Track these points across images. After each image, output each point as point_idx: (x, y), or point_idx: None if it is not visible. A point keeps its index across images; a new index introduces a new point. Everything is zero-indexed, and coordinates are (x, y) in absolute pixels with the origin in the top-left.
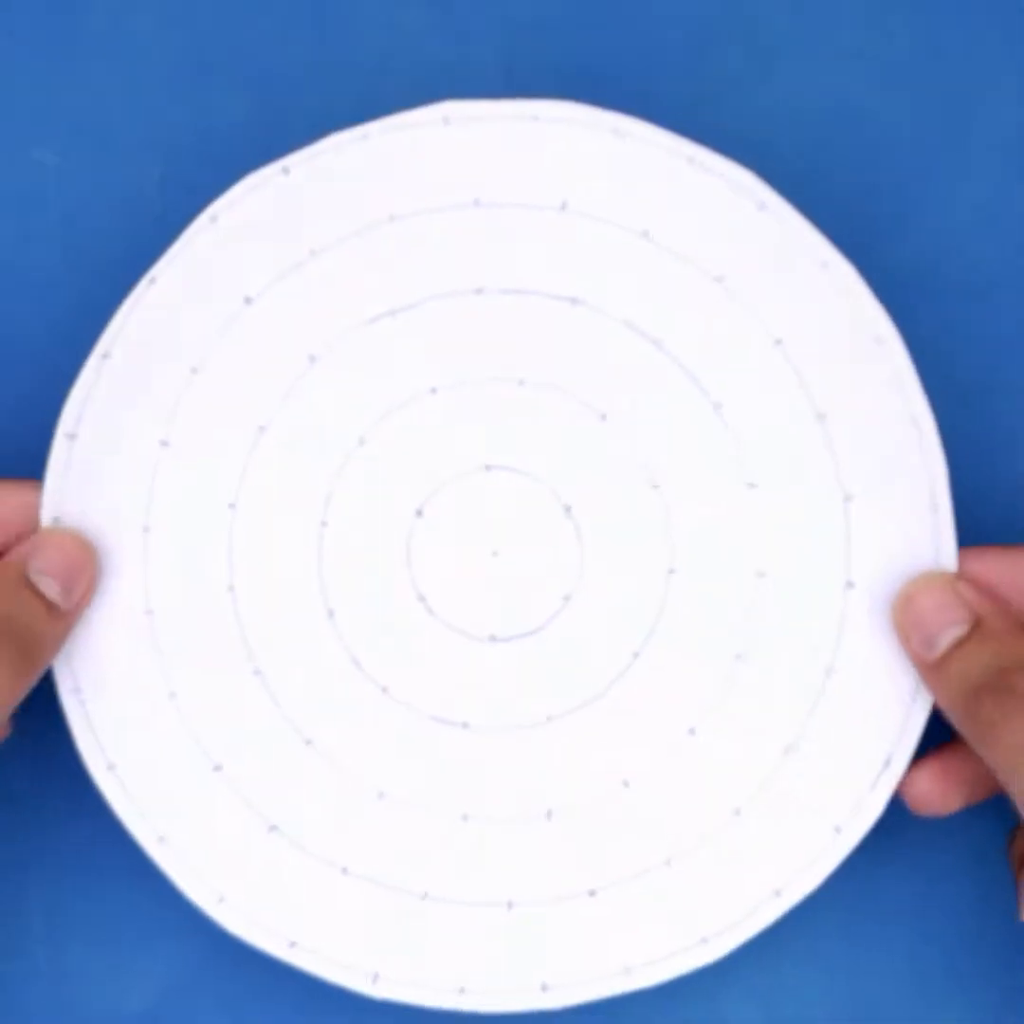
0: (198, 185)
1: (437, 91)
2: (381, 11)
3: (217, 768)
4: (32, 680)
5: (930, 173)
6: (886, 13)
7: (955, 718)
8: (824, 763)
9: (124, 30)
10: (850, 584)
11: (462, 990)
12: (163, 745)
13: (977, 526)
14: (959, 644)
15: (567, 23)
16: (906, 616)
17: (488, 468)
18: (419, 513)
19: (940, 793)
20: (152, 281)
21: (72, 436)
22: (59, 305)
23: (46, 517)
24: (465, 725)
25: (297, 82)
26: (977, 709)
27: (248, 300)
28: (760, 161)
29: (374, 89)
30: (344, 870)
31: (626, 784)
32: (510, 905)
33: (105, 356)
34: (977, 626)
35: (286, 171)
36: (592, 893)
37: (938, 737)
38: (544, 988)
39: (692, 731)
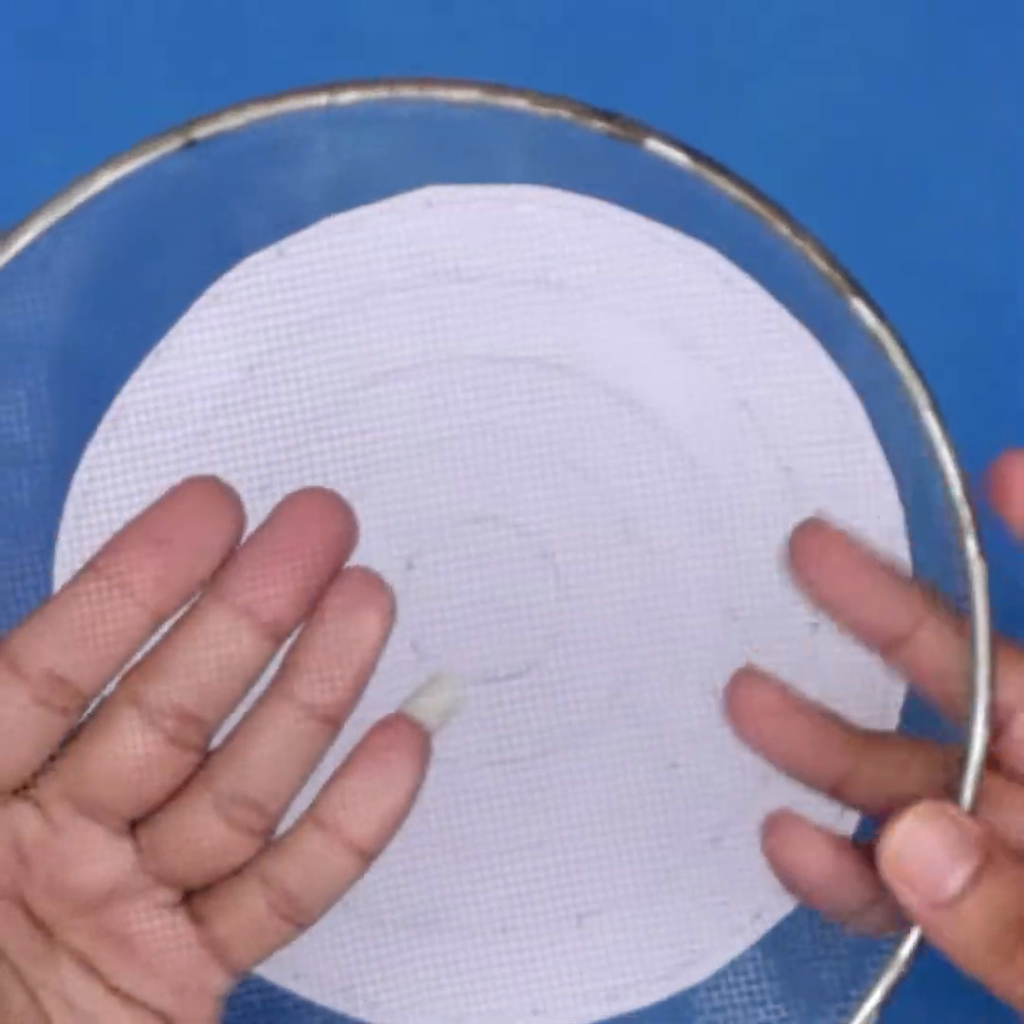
0: None
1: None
2: (385, 15)
3: None
4: None
5: (930, 173)
6: (886, 13)
7: (980, 955)
8: (795, 792)
9: (124, 30)
10: (816, 625)
11: (458, 1017)
12: None
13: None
14: (972, 880)
15: (567, 23)
16: (905, 861)
17: (474, 520)
18: (410, 566)
19: None
20: (158, 355)
21: (84, 496)
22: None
23: (59, 572)
24: (456, 761)
25: (297, 83)
26: (1009, 945)
27: (250, 370)
28: (760, 161)
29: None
30: (342, 902)
31: (611, 814)
32: (502, 932)
33: (115, 423)
34: (988, 856)
35: (281, 254)
36: (580, 919)
37: None
38: (535, 1013)
39: (674, 765)
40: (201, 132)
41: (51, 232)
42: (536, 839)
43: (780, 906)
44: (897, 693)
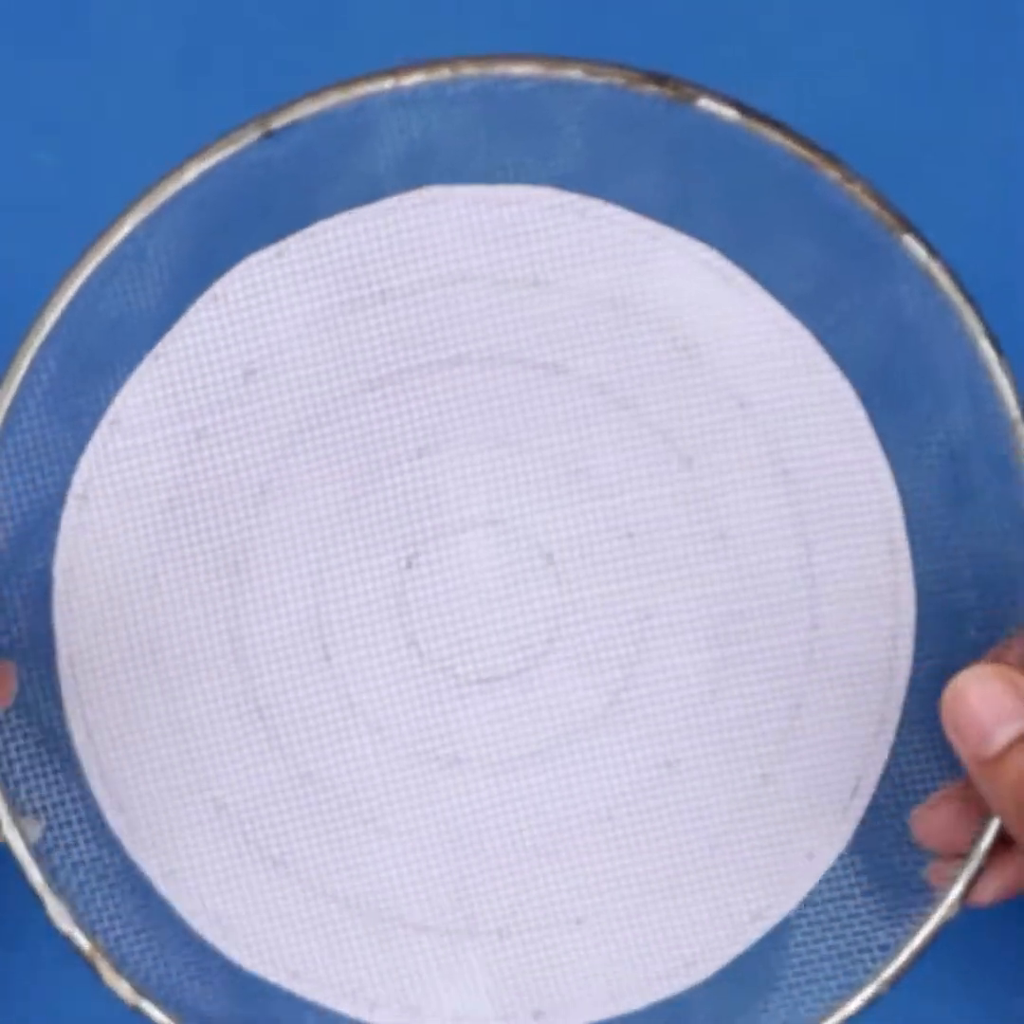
0: None
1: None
2: (383, 13)
3: (219, 804)
4: None
5: (930, 173)
6: (886, 13)
7: (1011, 816)
8: (796, 792)
9: (124, 30)
10: (815, 626)
11: (458, 1018)
12: (169, 782)
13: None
14: (1019, 739)
15: (567, 23)
16: (959, 711)
17: (473, 522)
18: (409, 565)
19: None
20: (156, 357)
21: (82, 497)
22: None
23: (60, 569)
24: (455, 761)
25: (297, 83)
26: None
27: (249, 373)
28: (760, 161)
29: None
30: (343, 903)
31: (609, 816)
32: (501, 934)
33: (114, 423)
34: None
35: (281, 255)
36: (579, 922)
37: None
38: (536, 1015)
39: (671, 765)
40: (278, 122)
41: (145, 224)
42: (535, 840)
43: (780, 906)
44: (899, 690)
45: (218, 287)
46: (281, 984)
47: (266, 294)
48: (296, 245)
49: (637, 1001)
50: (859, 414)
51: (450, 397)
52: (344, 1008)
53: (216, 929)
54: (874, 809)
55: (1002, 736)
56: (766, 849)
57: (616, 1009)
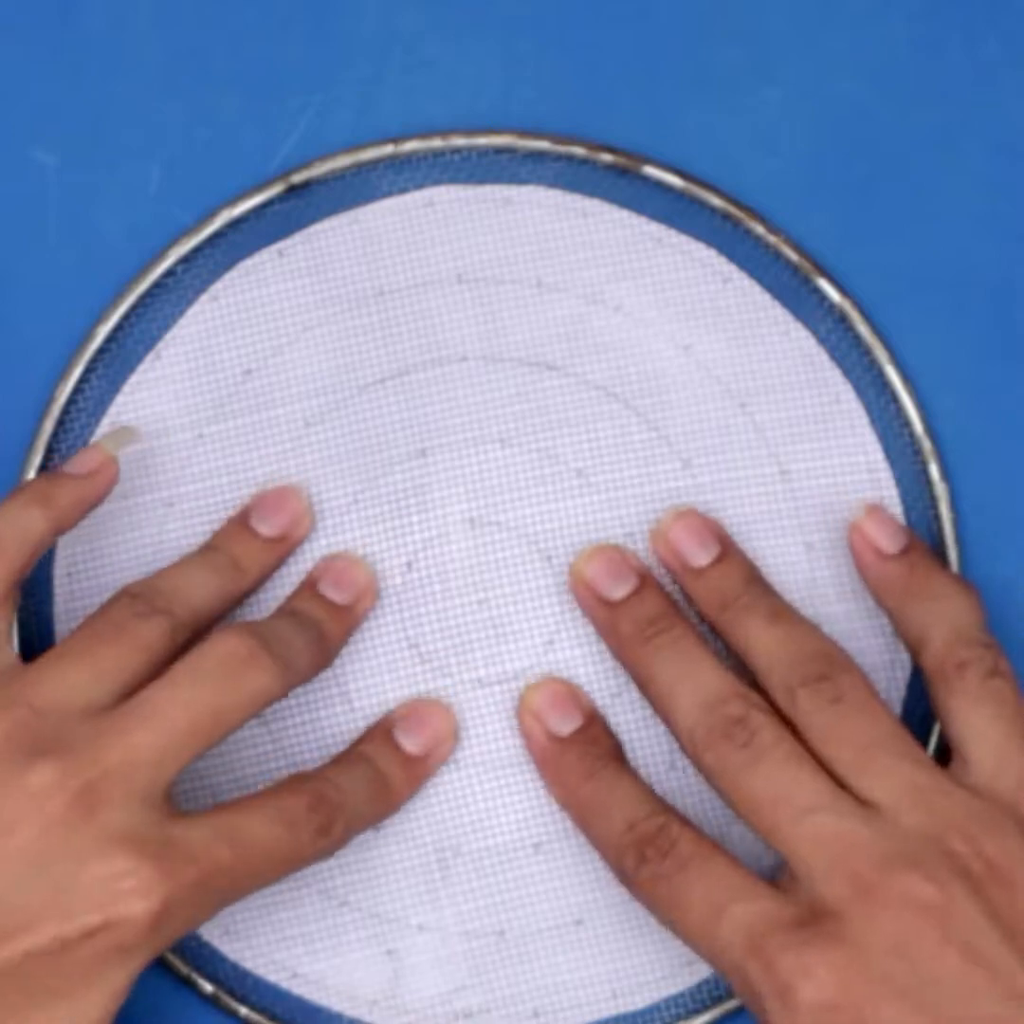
0: (198, 185)
1: (437, 82)
2: (380, 12)
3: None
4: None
5: (930, 173)
6: (886, 13)
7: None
8: None
9: (124, 30)
10: (815, 625)
11: (457, 1017)
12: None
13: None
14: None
15: (567, 23)
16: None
17: (473, 523)
18: (409, 566)
19: None
20: (157, 356)
21: None
22: (58, 305)
23: (60, 570)
24: (455, 762)
25: (296, 82)
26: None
27: (248, 372)
28: (760, 161)
29: (373, 88)
30: (342, 903)
31: None
32: (501, 935)
33: (114, 424)
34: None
35: (281, 254)
36: (579, 922)
37: None
38: (535, 1014)
39: (672, 765)
40: (297, 178)
41: (183, 260)
42: (536, 840)
43: None
44: (899, 689)
45: (218, 287)
46: (281, 984)
47: (266, 294)
48: (296, 245)
49: (637, 1001)
50: (859, 414)
51: (450, 397)
52: (343, 1009)
53: (216, 928)
54: None
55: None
56: (767, 849)
57: (616, 1008)
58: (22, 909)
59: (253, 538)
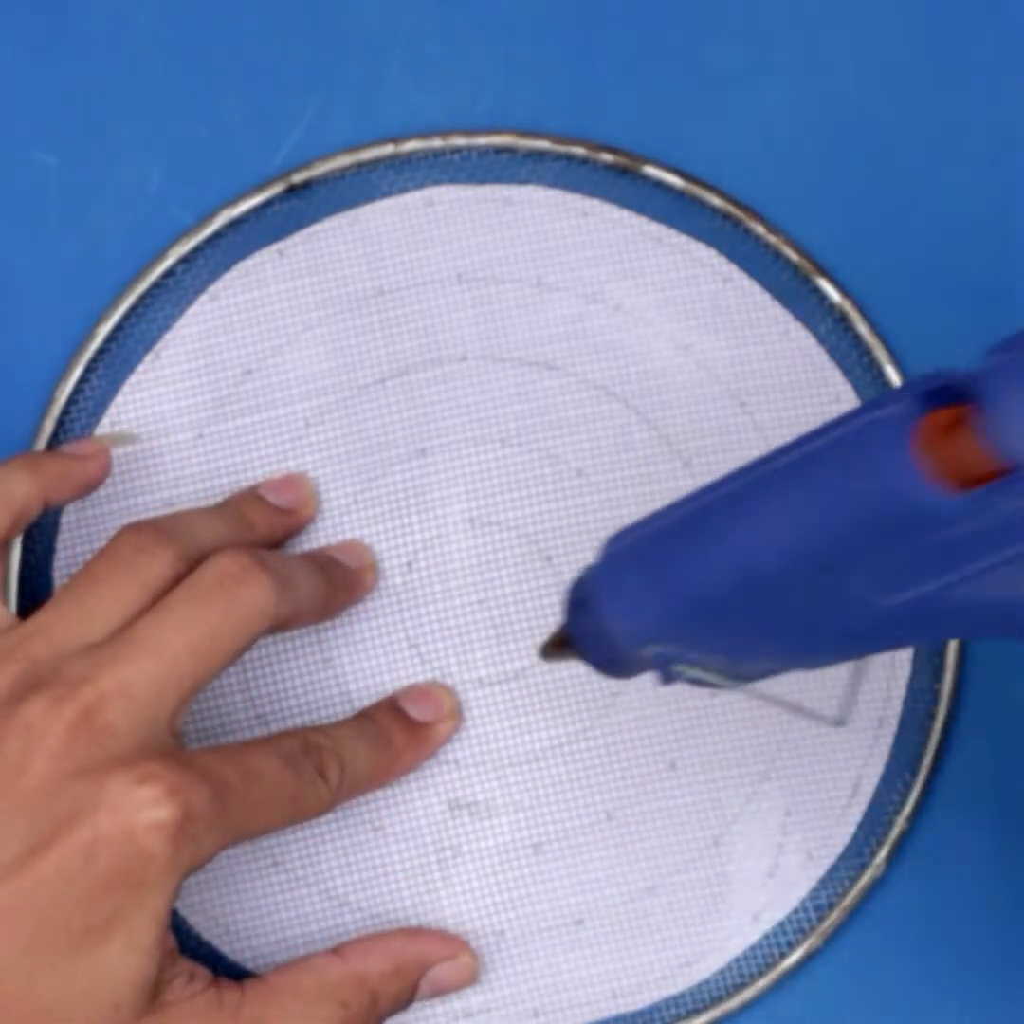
0: (198, 185)
1: (437, 82)
2: (380, 12)
3: None
4: None
5: (930, 173)
6: (886, 13)
7: None
8: (794, 792)
9: (124, 30)
10: None
11: (458, 1016)
12: None
13: None
14: None
15: (567, 23)
16: None
17: (473, 522)
18: (409, 566)
19: None
20: (157, 356)
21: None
22: (58, 305)
23: (60, 571)
24: (455, 762)
25: (296, 82)
26: None
27: (248, 372)
28: (760, 161)
29: (373, 88)
30: (342, 903)
31: (609, 817)
32: (501, 934)
33: (115, 423)
34: None
35: (281, 254)
36: (579, 922)
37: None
38: (535, 1014)
39: (672, 766)
40: (297, 178)
41: (183, 260)
42: (536, 840)
43: (780, 907)
44: (899, 690)
45: (218, 287)
46: None
47: (266, 294)
48: (296, 245)
49: (637, 1001)
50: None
51: (450, 397)
52: None
53: (216, 928)
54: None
55: None
56: (766, 849)
57: (615, 1008)
58: (39, 833)
59: (264, 504)
